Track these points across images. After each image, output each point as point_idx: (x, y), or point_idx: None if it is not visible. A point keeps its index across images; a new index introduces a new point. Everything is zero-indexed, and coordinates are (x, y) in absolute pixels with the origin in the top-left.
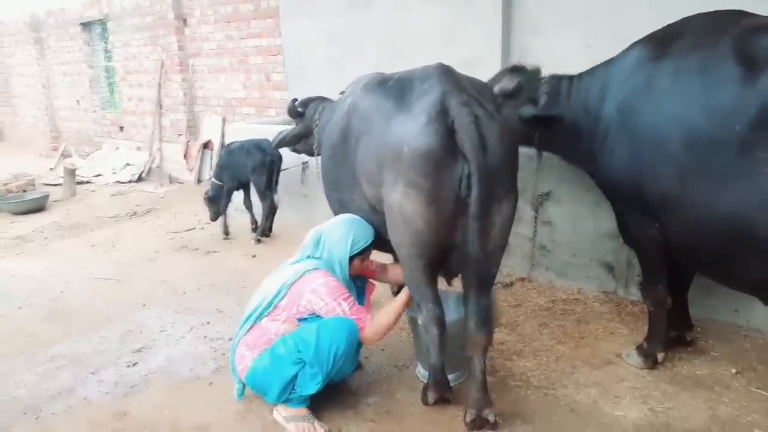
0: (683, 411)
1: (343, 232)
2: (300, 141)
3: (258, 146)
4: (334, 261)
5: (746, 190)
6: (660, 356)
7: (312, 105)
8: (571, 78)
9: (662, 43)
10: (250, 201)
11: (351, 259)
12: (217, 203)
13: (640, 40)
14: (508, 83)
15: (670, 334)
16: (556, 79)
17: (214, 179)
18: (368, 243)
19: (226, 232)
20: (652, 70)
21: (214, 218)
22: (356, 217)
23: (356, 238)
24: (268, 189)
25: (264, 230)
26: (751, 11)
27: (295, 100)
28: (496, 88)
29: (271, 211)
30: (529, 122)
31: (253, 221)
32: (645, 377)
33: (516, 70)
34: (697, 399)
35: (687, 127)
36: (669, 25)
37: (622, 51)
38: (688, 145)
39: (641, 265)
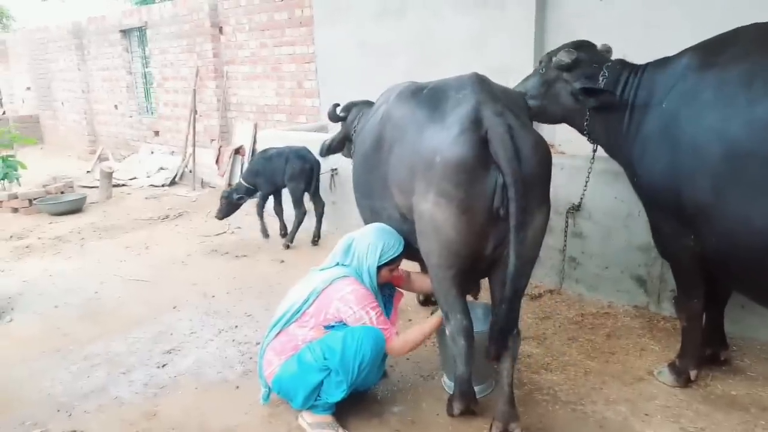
0: None
1: (373, 241)
2: (344, 146)
3: (297, 154)
4: (363, 269)
5: None
6: (693, 374)
7: (354, 109)
8: (635, 68)
9: (710, 52)
10: (281, 207)
11: (380, 268)
12: (232, 204)
13: (691, 48)
14: (565, 56)
15: (705, 353)
16: (621, 65)
17: (243, 181)
18: (397, 253)
19: (266, 234)
20: (698, 79)
21: (221, 216)
22: (387, 226)
23: (386, 247)
24: (313, 195)
25: (293, 236)
26: None
27: (336, 105)
28: (553, 60)
29: (318, 215)
30: (581, 102)
31: (283, 227)
32: (677, 396)
33: (580, 45)
34: (731, 420)
35: (727, 139)
36: (719, 35)
37: (675, 54)
38: (727, 157)
39: (675, 278)
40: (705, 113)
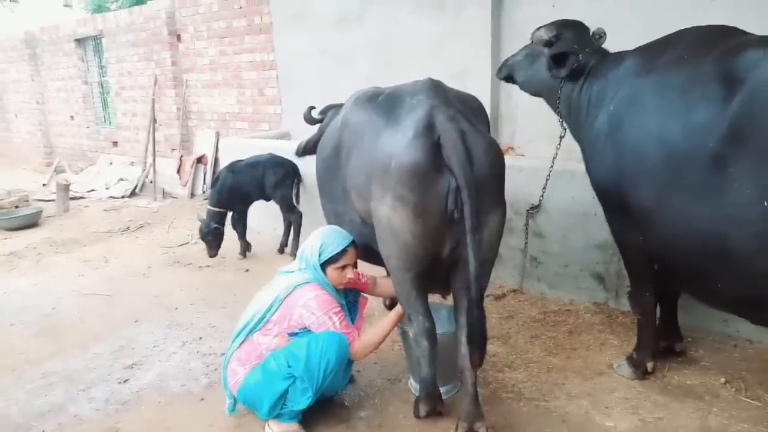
0: (674, 421)
1: (314, 239)
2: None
3: (274, 161)
4: (311, 269)
5: (719, 207)
6: (650, 366)
7: (331, 112)
8: (601, 60)
9: (650, 56)
10: (245, 224)
11: (324, 267)
12: (220, 236)
13: (633, 51)
14: (545, 32)
15: (660, 345)
16: (596, 54)
17: (212, 207)
18: (337, 251)
19: (245, 253)
20: (639, 84)
21: (215, 253)
22: (335, 227)
23: (325, 244)
24: (295, 201)
25: (297, 244)
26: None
27: (312, 107)
28: (534, 35)
29: (297, 220)
30: (554, 77)
31: (245, 247)
32: (636, 388)
33: (569, 25)
34: (687, 409)
35: (664, 143)
36: (659, 39)
37: (622, 55)
38: (665, 161)
39: (628, 273)
40: (646, 118)
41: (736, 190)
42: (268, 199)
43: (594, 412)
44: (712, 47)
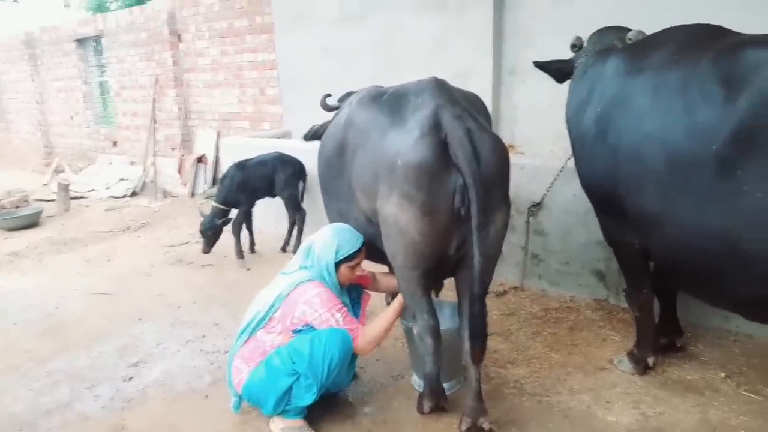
0: (674, 415)
1: (329, 238)
2: None
3: (283, 160)
4: (322, 268)
5: (724, 210)
6: (650, 361)
7: (348, 99)
8: (593, 56)
9: (638, 56)
10: (251, 221)
11: (338, 265)
12: (218, 231)
13: (619, 51)
14: (572, 40)
15: (661, 341)
16: (593, 55)
17: (219, 204)
18: (354, 250)
19: (242, 254)
20: (630, 85)
21: (209, 249)
22: (345, 225)
23: (341, 243)
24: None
25: (299, 241)
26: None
27: (328, 95)
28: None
29: (301, 219)
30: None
31: (253, 242)
32: (637, 383)
33: (607, 31)
34: (687, 403)
35: (666, 147)
36: (648, 38)
37: (607, 54)
38: (667, 164)
39: (623, 271)
40: (641, 120)
41: (746, 193)
42: (274, 196)
43: (596, 407)
44: (705, 47)
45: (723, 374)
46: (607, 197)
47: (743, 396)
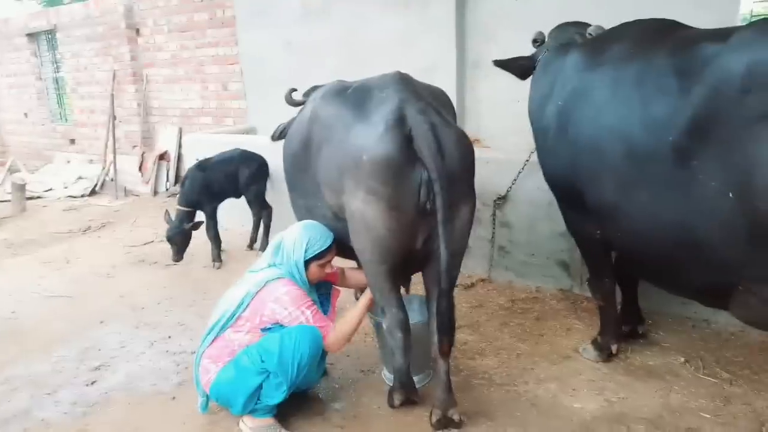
0: (637, 400)
1: (299, 236)
2: None
3: (246, 156)
4: (292, 266)
5: (683, 200)
6: (614, 348)
7: (313, 94)
8: (553, 51)
9: (595, 51)
10: (216, 223)
11: (308, 263)
12: (188, 238)
13: (578, 45)
14: (535, 35)
15: (624, 329)
16: (552, 51)
17: (182, 207)
18: (324, 247)
19: (220, 259)
20: (588, 79)
21: (180, 257)
22: (315, 222)
23: (312, 241)
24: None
25: (267, 240)
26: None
27: (293, 89)
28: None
29: (268, 216)
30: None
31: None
32: (601, 370)
33: (566, 26)
34: (649, 388)
35: (624, 139)
36: (606, 32)
37: (567, 48)
38: (625, 156)
39: (585, 262)
40: (599, 113)
41: (701, 183)
42: (239, 196)
43: (562, 395)
44: (659, 41)
45: (682, 359)
46: (568, 189)
47: (702, 379)
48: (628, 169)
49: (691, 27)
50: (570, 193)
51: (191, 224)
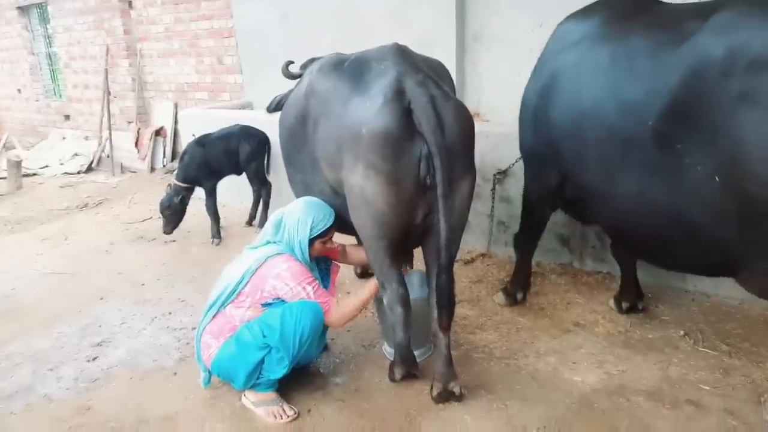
0: (636, 373)
1: (303, 214)
2: None
3: (247, 132)
4: (294, 244)
5: (669, 183)
6: (519, 297)
7: (309, 67)
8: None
9: (571, 31)
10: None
11: (311, 241)
12: (181, 212)
13: (563, 23)
14: None
15: (624, 306)
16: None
17: (179, 182)
18: (328, 225)
19: (219, 236)
20: (563, 59)
21: (171, 229)
22: (316, 199)
23: (316, 220)
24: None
25: (266, 216)
26: None
27: (290, 62)
28: None
29: (267, 192)
30: None
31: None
32: (600, 343)
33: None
34: (648, 361)
35: (602, 121)
36: (574, 13)
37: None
38: (608, 139)
39: (522, 221)
40: (580, 95)
41: (686, 167)
42: (239, 173)
43: (562, 368)
44: (633, 20)
45: (682, 332)
46: (546, 168)
47: (701, 352)
48: (617, 151)
49: (668, 2)
50: (547, 171)
51: (181, 197)
